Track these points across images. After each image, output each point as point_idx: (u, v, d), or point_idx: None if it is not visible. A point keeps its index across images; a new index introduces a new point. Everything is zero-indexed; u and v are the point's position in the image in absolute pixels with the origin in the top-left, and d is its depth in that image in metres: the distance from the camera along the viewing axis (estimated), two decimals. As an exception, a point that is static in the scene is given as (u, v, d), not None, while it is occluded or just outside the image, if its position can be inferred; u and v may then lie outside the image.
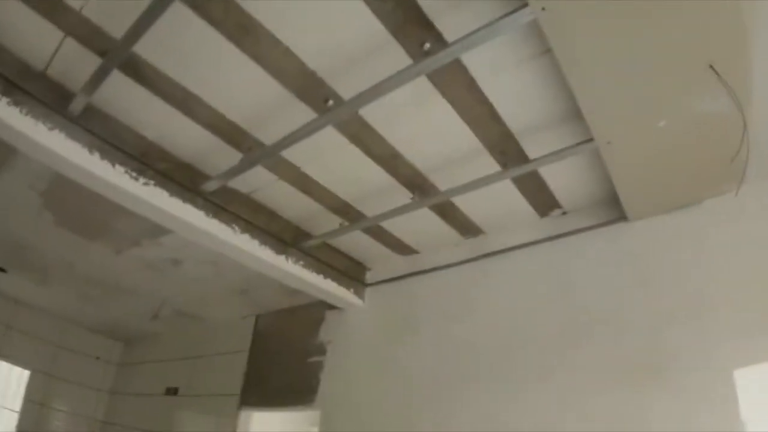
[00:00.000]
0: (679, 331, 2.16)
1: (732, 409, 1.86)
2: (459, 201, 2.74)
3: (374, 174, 2.55)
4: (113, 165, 2.14)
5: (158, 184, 2.30)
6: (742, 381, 1.85)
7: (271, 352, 3.77)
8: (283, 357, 3.64)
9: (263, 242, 2.76)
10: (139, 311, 4.35)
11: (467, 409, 2.67)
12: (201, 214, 2.46)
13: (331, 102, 2.11)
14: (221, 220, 2.55)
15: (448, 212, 2.85)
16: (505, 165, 2.37)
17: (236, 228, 2.63)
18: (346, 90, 2.07)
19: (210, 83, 2.10)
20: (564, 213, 2.79)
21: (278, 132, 2.23)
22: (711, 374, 1.97)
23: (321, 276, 3.06)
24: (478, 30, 1.67)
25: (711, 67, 1.68)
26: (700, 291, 2.19)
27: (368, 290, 3.40)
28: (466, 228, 3.00)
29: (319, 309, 3.53)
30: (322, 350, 3.43)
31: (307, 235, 3.08)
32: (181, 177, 2.41)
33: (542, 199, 2.70)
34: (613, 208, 2.59)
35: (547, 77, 1.97)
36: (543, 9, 1.54)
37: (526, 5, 1.55)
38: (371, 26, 1.79)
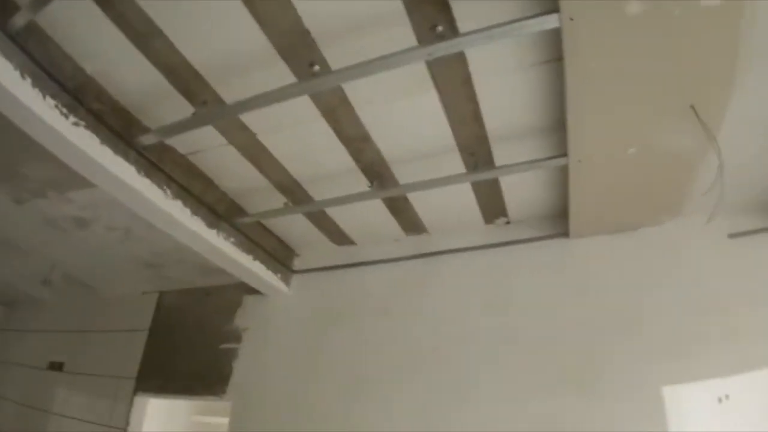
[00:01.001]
0: (610, 347, 2.31)
1: (659, 424, 2.03)
2: (413, 197, 2.69)
3: (336, 155, 2.39)
4: (44, 96, 1.73)
5: (89, 126, 1.91)
6: (669, 398, 2.03)
7: (175, 335, 3.38)
8: (190, 341, 3.29)
9: (195, 212, 2.44)
10: (28, 272, 3.71)
11: (392, 409, 2.62)
12: (132, 170, 2.09)
13: (317, 67, 1.92)
14: (153, 180, 2.20)
15: (399, 207, 2.78)
16: (475, 167, 2.36)
17: (168, 192, 2.29)
18: (337, 59, 1.90)
19: (183, 18, 1.79)
20: (508, 222, 2.87)
21: (245, 90, 1.97)
22: (640, 390, 2.13)
23: (251, 257, 2.81)
24: (499, 26, 1.62)
25: (692, 107, 1.82)
26: (633, 311, 2.37)
27: (295, 277, 3.20)
28: (412, 225, 2.96)
29: (237, 292, 3.25)
30: (237, 337, 3.16)
31: (242, 211, 2.81)
32: (116, 123, 2.03)
33: (493, 206, 2.75)
34: (555, 224, 2.72)
35: (538, 88, 1.99)
36: (571, 19, 1.54)
37: (553, 12, 1.53)
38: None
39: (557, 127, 2.16)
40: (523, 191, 2.62)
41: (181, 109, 2.12)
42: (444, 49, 1.71)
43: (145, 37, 1.82)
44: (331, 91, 2.04)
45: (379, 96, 2.06)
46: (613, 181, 2.24)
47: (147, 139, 2.11)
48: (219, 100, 2.12)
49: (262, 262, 2.90)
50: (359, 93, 2.05)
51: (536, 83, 1.97)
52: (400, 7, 1.69)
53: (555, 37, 1.72)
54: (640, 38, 1.57)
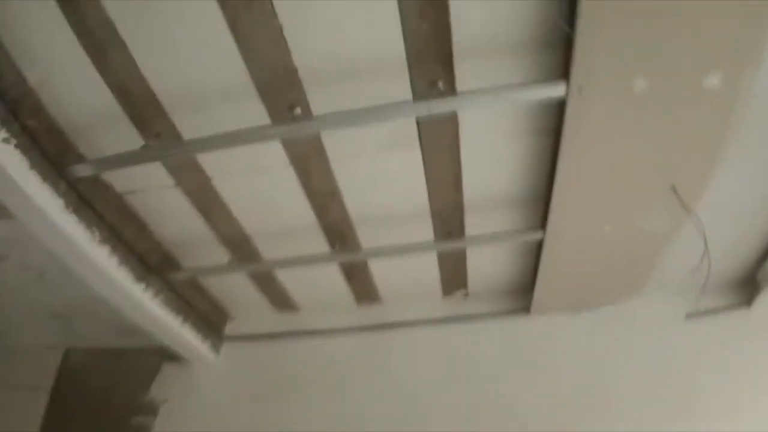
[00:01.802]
0: (571, 426, 2.22)
1: None
2: (373, 262, 2.50)
3: (298, 210, 2.17)
4: (-23, 105, 1.38)
5: (20, 146, 1.54)
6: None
7: (81, 400, 2.76)
8: (97, 409, 2.69)
9: (124, 261, 2.05)
10: None
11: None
12: (60, 204, 1.72)
13: (298, 110, 1.74)
14: (82, 218, 1.82)
15: (356, 272, 2.56)
16: (449, 234, 2.23)
17: (96, 234, 1.91)
18: (321, 104, 1.73)
19: (153, 33, 1.54)
20: (466, 295, 2.75)
21: (207, 126, 1.74)
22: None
23: (180, 318, 2.40)
24: (504, 88, 1.57)
25: (672, 187, 1.85)
26: (593, 390, 2.30)
27: (226, 344, 2.79)
28: (365, 293, 2.73)
29: (155, 357, 2.75)
30: (152, 410, 2.62)
31: (176, 265, 2.44)
32: (50, 146, 1.67)
33: (455, 278, 2.62)
34: (516, 299, 2.64)
35: (523, 158, 1.94)
36: (580, 89, 1.51)
37: (563, 80, 1.50)
38: (391, 42, 1.54)
39: (533, 199, 2.12)
40: (486, 263, 2.53)
41: (128, 139, 1.82)
42: (445, 106, 1.62)
43: (104, 48, 1.54)
44: (307, 138, 1.86)
45: (360, 149, 1.90)
46: (583, 258, 2.21)
47: (81, 170, 1.76)
48: (175, 134, 1.85)
49: (192, 325, 2.49)
50: (338, 144, 1.89)
51: (523, 153, 1.93)
52: (403, 57, 1.59)
53: (552, 108, 1.71)
54: (640, 115, 1.57)
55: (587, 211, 1.96)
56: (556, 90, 1.52)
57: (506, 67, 1.61)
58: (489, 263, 2.53)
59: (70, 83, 1.65)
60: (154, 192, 2.07)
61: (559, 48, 1.54)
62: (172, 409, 2.63)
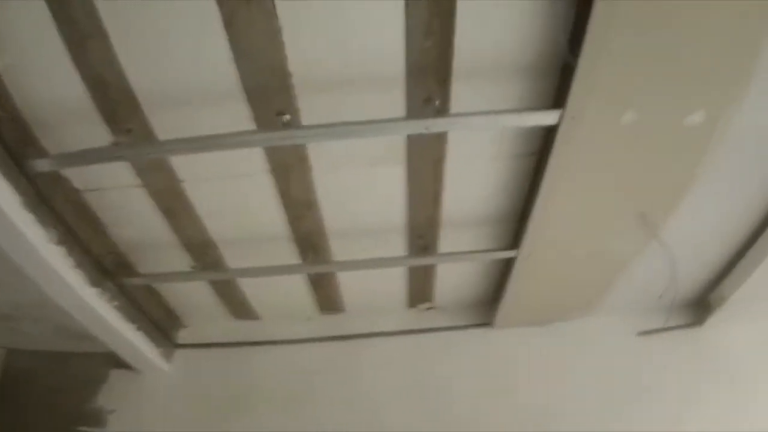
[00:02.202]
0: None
1: None
2: (341, 274, 2.45)
3: (271, 218, 2.08)
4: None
5: None
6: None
7: (23, 406, 2.51)
8: (40, 417, 2.44)
9: (79, 264, 1.88)
10: None
11: None
12: (18, 202, 1.53)
13: (287, 117, 1.67)
14: (38, 216, 1.64)
15: (322, 283, 2.50)
16: (425, 249, 2.23)
17: (54, 234, 1.73)
18: (312, 112, 1.67)
19: (140, 26, 1.42)
20: (430, 308, 2.76)
21: (184, 127, 1.63)
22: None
23: (134, 326, 2.24)
24: (499, 112, 1.59)
25: (642, 214, 1.95)
26: (550, 404, 2.39)
27: (179, 353, 2.63)
28: (329, 303, 2.68)
29: (103, 364, 2.53)
30: (99, 420, 2.42)
31: (133, 269, 2.27)
32: (12, 137, 1.49)
33: (421, 291, 2.63)
34: (478, 313, 2.70)
35: (505, 179, 1.98)
36: (573, 118, 1.56)
37: (557, 108, 1.54)
38: (393, 56, 1.51)
39: (507, 218, 2.17)
40: (453, 277, 2.56)
41: (97, 135, 1.67)
42: (441, 126, 1.62)
43: (83, 37, 1.40)
44: (292, 147, 1.79)
45: (346, 162, 1.86)
46: (549, 277, 2.29)
47: (41, 165, 1.59)
48: (148, 133, 1.71)
49: (145, 332, 2.33)
50: (324, 155, 1.83)
51: (503, 173, 1.96)
52: (402, 71, 1.56)
53: (537, 133, 1.75)
54: (623, 146, 1.65)
55: (561, 234, 2.03)
56: (550, 117, 1.56)
57: (501, 90, 1.63)
58: (455, 277, 2.56)
59: (40, 72, 1.48)
60: (116, 191, 1.91)
61: (553, 77, 1.59)
62: (120, 421, 2.44)
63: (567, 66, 1.47)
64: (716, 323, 2.46)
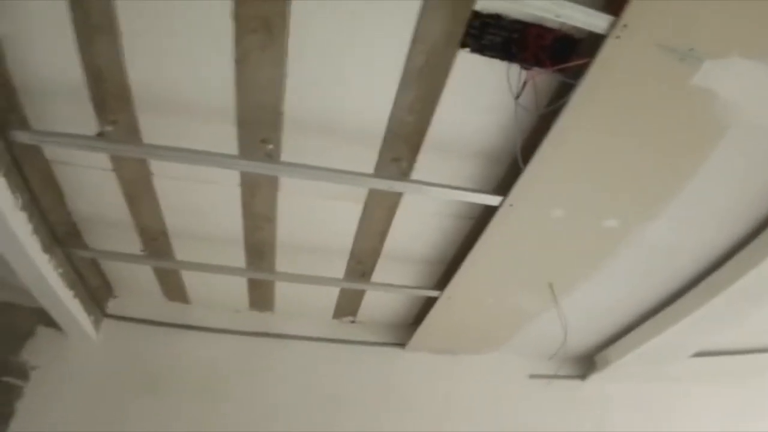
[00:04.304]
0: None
1: None
2: (282, 283, 2.63)
3: (230, 224, 2.22)
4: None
5: None
6: None
7: None
8: None
9: (37, 230, 1.92)
10: None
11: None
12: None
13: (270, 147, 1.83)
14: (10, 182, 1.68)
15: (261, 285, 2.67)
16: (362, 275, 2.47)
17: (19, 200, 1.77)
18: (292, 148, 1.85)
19: (154, 35, 1.52)
20: (352, 322, 3.01)
21: (169, 132, 1.77)
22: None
23: (72, 293, 2.28)
24: (454, 188, 1.85)
25: (549, 285, 2.32)
26: (437, 424, 2.74)
27: (106, 322, 2.68)
28: (261, 301, 2.84)
29: (30, 319, 2.54)
30: (23, 374, 2.44)
31: (82, 241, 2.31)
32: None
33: (348, 306, 2.87)
34: (395, 333, 3.00)
35: (443, 232, 2.27)
36: (511, 205, 1.86)
37: (501, 195, 1.83)
38: (377, 121, 1.74)
39: (437, 262, 2.47)
40: (380, 299, 2.82)
41: (82, 117, 1.72)
42: (402, 187, 1.87)
43: (95, 30, 1.47)
44: (269, 175, 1.95)
45: (312, 193, 2.05)
46: (463, 317, 2.62)
47: (21, 136, 1.64)
48: (133, 128, 1.80)
49: (81, 300, 2.38)
50: (294, 183, 2.00)
51: (445, 228, 2.25)
52: (381, 135, 1.79)
53: (481, 206, 2.04)
54: (548, 234, 1.99)
55: (481, 286, 2.36)
56: (493, 200, 1.86)
57: (458, 165, 1.91)
58: (382, 300, 2.82)
59: (41, 49, 1.53)
60: (86, 169, 1.97)
61: (502, 166, 1.89)
62: (43, 379, 2.47)
63: (515, 163, 1.76)
64: (597, 380, 2.96)
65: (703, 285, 2.31)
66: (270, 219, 2.20)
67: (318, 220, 2.22)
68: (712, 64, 1.30)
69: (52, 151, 1.91)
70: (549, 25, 1.38)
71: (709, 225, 2.06)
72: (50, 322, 2.47)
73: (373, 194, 2.05)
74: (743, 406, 3.20)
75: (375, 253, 2.41)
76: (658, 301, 2.55)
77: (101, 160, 1.93)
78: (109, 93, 1.69)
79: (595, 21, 1.25)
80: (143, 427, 2.46)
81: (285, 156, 1.86)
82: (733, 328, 2.65)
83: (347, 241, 2.33)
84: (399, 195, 2.05)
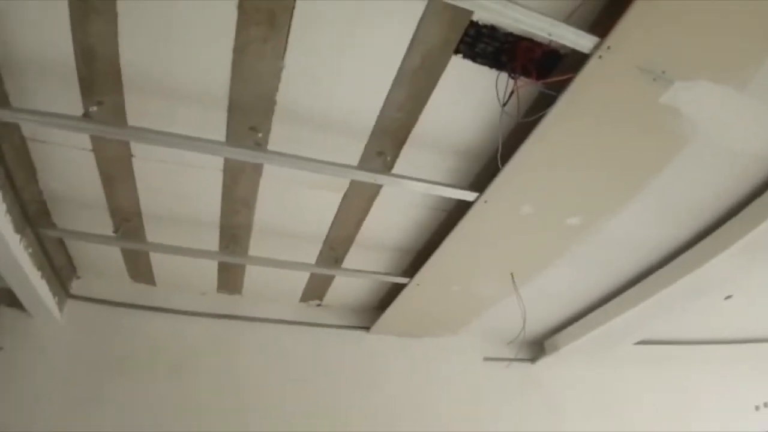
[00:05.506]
0: None
1: None
2: (252, 267, 2.66)
3: (207, 206, 2.24)
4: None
5: None
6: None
7: None
8: None
9: (9, 210, 1.85)
10: None
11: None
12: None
13: (259, 135, 1.86)
14: (-14, 161, 1.63)
15: (231, 269, 2.69)
16: (335, 261, 2.55)
17: (-6, 178, 1.71)
18: (279, 136, 1.89)
19: (154, 20, 1.51)
20: (319, 305, 3.08)
21: (158, 116, 1.77)
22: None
23: (39, 273, 2.21)
24: (434, 182, 1.96)
25: (511, 275, 2.49)
26: (401, 403, 2.91)
27: (70, 303, 2.61)
28: (229, 284, 2.86)
29: None
30: None
31: (50, 221, 2.24)
32: None
33: (316, 290, 2.94)
34: (360, 317, 3.11)
35: (417, 222, 2.39)
36: (485, 202, 2.00)
37: (477, 191, 1.96)
38: (367, 117, 1.82)
39: (408, 251, 2.59)
40: (347, 284, 2.91)
41: (66, 96, 1.68)
42: (385, 180, 1.95)
43: (91, 10, 1.45)
44: (254, 163, 1.98)
45: (294, 181, 2.09)
46: (429, 303, 2.76)
47: (2, 114, 1.59)
48: (118, 108, 1.78)
49: (48, 281, 2.31)
50: (277, 172, 2.05)
51: (419, 219, 2.37)
52: (369, 129, 1.87)
53: (455, 200, 2.17)
54: (516, 228, 2.15)
55: (448, 274, 2.50)
56: (469, 196, 1.99)
57: (439, 160, 2.03)
58: (349, 284, 2.92)
59: (31, 24, 1.49)
60: (62, 148, 1.92)
61: (480, 164, 2.02)
62: (7, 360, 2.40)
63: (492, 161, 1.89)
64: (545, 364, 3.22)
65: (651, 279, 2.57)
66: (249, 204, 2.23)
67: (297, 207, 2.28)
68: (681, 85, 1.48)
69: (30, 129, 1.86)
70: (539, 40, 1.50)
71: (665, 222, 2.29)
72: (13, 302, 2.39)
73: (354, 185, 2.13)
74: (681, 390, 3.58)
75: (349, 241, 2.50)
76: (609, 292, 2.81)
77: (81, 139, 1.89)
78: (99, 73, 1.66)
79: (582, 41, 1.39)
80: (110, 407, 2.44)
81: (272, 144, 1.90)
82: (672, 321, 2.97)
83: (323, 228, 2.40)
84: (379, 186, 2.14)
